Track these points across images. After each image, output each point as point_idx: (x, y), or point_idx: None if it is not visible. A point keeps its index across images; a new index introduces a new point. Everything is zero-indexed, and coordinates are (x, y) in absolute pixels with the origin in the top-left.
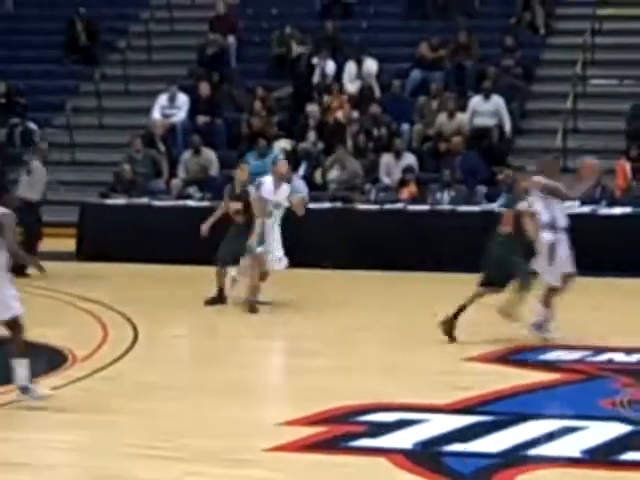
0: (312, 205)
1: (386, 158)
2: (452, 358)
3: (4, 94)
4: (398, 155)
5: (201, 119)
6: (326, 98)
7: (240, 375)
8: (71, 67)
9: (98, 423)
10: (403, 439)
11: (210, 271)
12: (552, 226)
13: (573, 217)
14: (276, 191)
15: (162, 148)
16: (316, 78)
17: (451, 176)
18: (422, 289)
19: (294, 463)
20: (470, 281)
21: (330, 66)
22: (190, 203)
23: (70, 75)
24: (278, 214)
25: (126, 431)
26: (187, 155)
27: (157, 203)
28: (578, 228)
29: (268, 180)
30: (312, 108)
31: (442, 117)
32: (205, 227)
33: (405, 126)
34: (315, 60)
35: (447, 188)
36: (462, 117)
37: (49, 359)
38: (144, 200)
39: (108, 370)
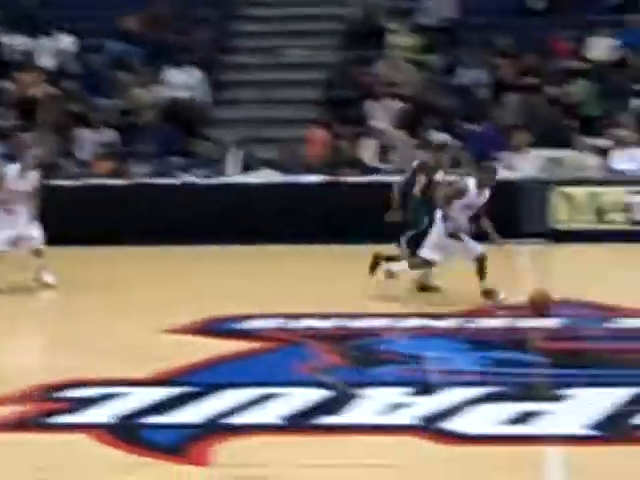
0: None
1: (84, 133)
2: (152, 330)
3: None
4: (96, 130)
5: None
6: (21, 75)
7: None
8: None
9: None
10: (102, 413)
11: None
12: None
13: (272, 186)
14: (22, 180)
15: None
16: (9, 54)
17: (147, 149)
18: (126, 265)
19: None
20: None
21: (23, 42)
22: None
23: None
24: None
25: None
26: None
27: None
28: (279, 197)
29: (13, 168)
30: (6, 85)
31: (139, 91)
32: None
33: (102, 101)
34: (6, 37)
35: (144, 161)
36: (158, 90)
37: None
38: None
39: None
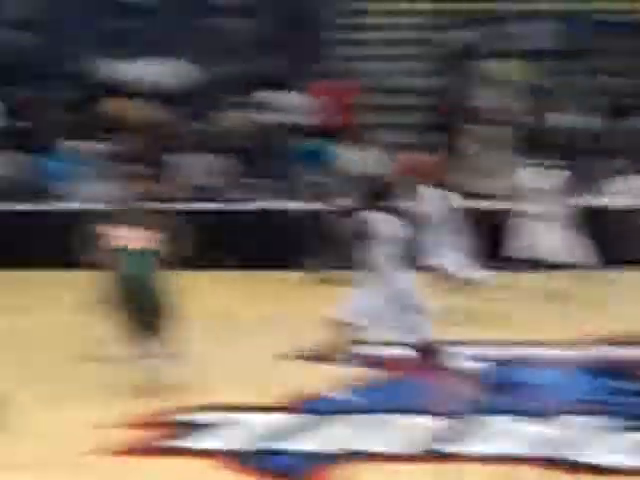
0: None
1: (183, 158)
2: (274, 355)
3: None
4: (194, 155)
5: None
6: (117, 99)
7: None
8: None
9: None
10: (223, 439)
11: None
12: None
13: None
14: None
15: None
16: (106, 78)
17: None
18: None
19: (114, 467)
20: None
21: (120, 66)
22: None
23: None
24: None
25: None
26: None
27: None
28: None
29: None
30: (103, 109)
31: (235, 114)
32: None
33: (199, 124)
34: (104, 60)
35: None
36: (255, 114)
37: None
38: None
39: None
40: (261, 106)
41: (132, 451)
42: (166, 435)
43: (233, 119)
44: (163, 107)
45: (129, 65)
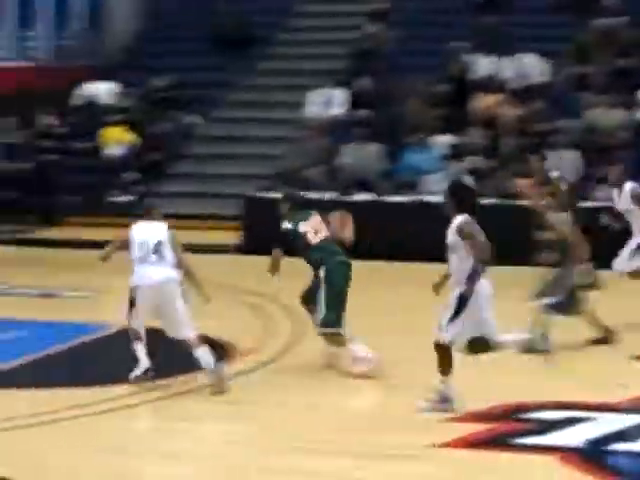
0: None
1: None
2: (620, 357)
3: (165, 88)
4: (558, 151)
5: (359, 113)
6: (485, 95)
7: (403, 370)
8: (227, 61)
9: (263, 416)
10: (571, 437)
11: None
12: None
13: None
14: None
15: (322, 142)
16: (474, 74)
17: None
18: None
19: (461, 460)
20: None
21: (488, 62)
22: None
23: (226, 69)
24: None
25: (292, 425)
26: (348, 149)
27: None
28: None
29: None
30: (471, 105)
31: (601, 112)
32: None
33: (566, 121)
34: (472, 57)
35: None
36: (625, 112)
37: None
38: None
39: (274, 363)
40: (633, 103)
41: (480, 445)
42: (510, 431)
43: (603, 116)
44: (529, 103)
45: (493, 60)
